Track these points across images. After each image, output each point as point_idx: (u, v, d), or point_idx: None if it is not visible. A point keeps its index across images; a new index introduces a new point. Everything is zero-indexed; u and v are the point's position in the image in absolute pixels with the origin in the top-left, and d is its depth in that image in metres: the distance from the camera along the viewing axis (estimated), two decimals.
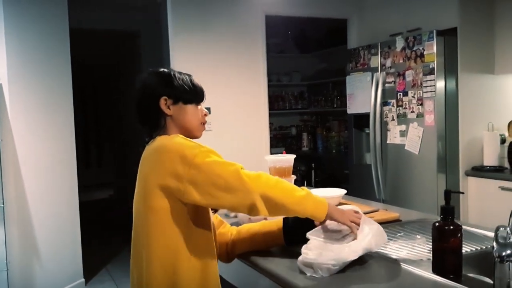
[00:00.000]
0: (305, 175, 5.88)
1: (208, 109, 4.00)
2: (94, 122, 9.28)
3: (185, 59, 3.98)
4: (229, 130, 4.12)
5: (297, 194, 1.45)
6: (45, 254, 3.75)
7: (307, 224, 1.60)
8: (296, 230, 1.65)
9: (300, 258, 1.47)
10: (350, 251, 1.46)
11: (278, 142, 5.96)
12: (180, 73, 1.65)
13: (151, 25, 5.54)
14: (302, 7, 4.44)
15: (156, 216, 1.47)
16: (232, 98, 4.15)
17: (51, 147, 3.81)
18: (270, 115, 4.57)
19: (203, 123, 1.65)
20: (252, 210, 1.40)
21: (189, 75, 1.66)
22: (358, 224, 1.54)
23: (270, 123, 5.67)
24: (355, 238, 1.52)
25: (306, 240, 1.55)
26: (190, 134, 1.62)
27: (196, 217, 1.51)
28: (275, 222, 1.73)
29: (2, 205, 3.48)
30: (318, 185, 5.57)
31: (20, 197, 3.66)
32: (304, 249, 1.49)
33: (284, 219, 1.71)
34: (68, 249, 3.86)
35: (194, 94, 1.63)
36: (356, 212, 1.60)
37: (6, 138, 3.59)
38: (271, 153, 4.52)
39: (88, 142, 8.93)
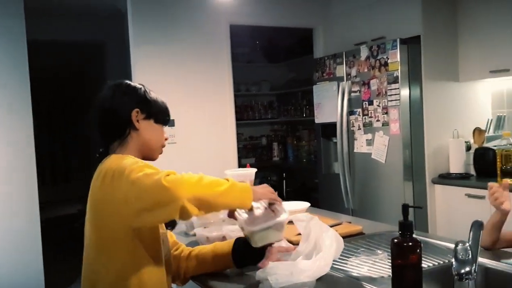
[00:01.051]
0: (276, 185, 5.84)
1: (172, 121, 3.93)
2: (59, 136, 9.05)
3: (147, 69, 3.90)
4: (194, 142, 4.04)
5: (221, 188, 1.40)
6: (4, 273, 3.59)
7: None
8: (246, 252, 1.61)
9: (267, 284, 1.40)
10: (321, 265, 1.44)
11: (249, 153, 5.91)
12: (153, 92, 1.63)
13: (116, 36, 5.45)
14: (266, 16, 4.41)
15: (105, 242, 1.45)
16: (197, 109, 4.08)
17: (9, 163, 3.66)
18: (240, 125, 4.52)
19: (163, 146, 1.63)
20: (183, 215, 1.33)
21: (162, 99, 1.64)
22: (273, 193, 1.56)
23: (240, 134, 5.64)
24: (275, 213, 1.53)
25: (256, 262, 1.53)
26: (149, 153, 1.60)
27: (145, 246, 1.45)
28: (227, 244, 1.68)
29: None
30: (290, 195, 5.54)
31: None
32: (270, 276, 1.40)
33: (235, 240, 1.67)
34: (28, 268, 3.70)
35: (165, 116, 1.62)
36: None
37: None
38: (240, 165, 4.47)
39: (54, 157, 8.72)
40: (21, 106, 3.72)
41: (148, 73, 3.90)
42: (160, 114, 1.59)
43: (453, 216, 3.54)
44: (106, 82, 1.64)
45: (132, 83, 1.62)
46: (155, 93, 1.63)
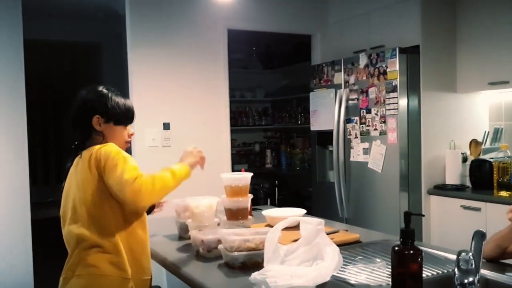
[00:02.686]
0: (269, 192, 5.79)
1: (168, 124, 3.89)
2: (54, 137, 8.97)
3: (144, 73, 3.85)
4: (188, 146, 3.99)
5: (171, 185, 1.77)
6: None
7: None
8: None
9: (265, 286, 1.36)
10: (321, 273, 1.41)
11: (241, 159, 5.87)
12: (117, 94, 1.89)
13: (112, 37, 5.42)
14: (265, 22, 4.39)
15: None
16: (192, 113, 4.03)
17: (2, 164, 3.60)
18: (233, 131, 4.47)
19: (128, 142, 1.94)
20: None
21: (125, 98, 1.91)
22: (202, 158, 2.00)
23: (233, 139, 5.59)
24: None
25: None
26: None
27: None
28: None
29: None
30: (282, 202, 5.49)
31: None
32: (269, 277, 1.38)
33: None
34: (19, 267, 3.63)
35: (125, 117, 1.89)
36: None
37: None
38: (233, 170, 4.42)
39: (47, 158, 8.63)
40: (16, 106, 3.67)
41: (145, 76, 3.86)
42: (118, 116, 1.86)
43: (448, 227, 3.51)
44: (80, 90, 1.92)
45: (99, 89, 1.88)
46: (118, 97, 1.89)
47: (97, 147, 1.77)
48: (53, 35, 5.44)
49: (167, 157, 3.86)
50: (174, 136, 3.91)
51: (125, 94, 1.94)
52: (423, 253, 1.33)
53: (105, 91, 1.88)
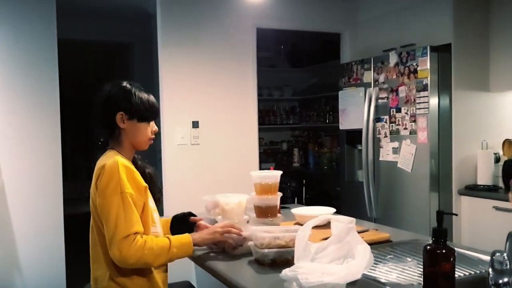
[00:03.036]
0: (296, 191, 5.79)
1: (197, 122, 3.93)
2: (85, 133, 9.15)
3: (173, 72, 3.90)
4: (217, 145, 4.03)
5: (162, 257, 1.71)
6: (27, 268, 3.62)
7: (186, 219, 2.05)
8: (178, 224, 2.05)
9: (296, 283, 1.37)
10: (352, 271, 1.41)
11: (269, 158, 5.87)
12: (140, 90, 1.85)
13: (144, 37, 5.49)
14: (294, 20, 4.39)
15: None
16: (221, 112, 4.06)
17: (36, 159, 3.70)
18: (261, 130, 4.48)
19: (151, 139, 1.90)
20: None
21: (148, 93, 1.87)
22: (229, 231, 1.85)
23: (261, 138, 5.60)
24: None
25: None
26: (138, 146, 1.88)
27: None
28: (166, 220, 2.08)
29: None
30: (309, 202, 5.47)
31: (2, 210, 3.55)
32: (300, 274, 1.39)
33: (172, 218, 2.09)
34: (51, 263, 3.72)
35: (149, 113, 1.85)
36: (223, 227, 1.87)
37: None
38: (261, 169, 4.43)
39: (78, 155, 8.80)
40: (50, 104, 3.76)
41: (174, 74, 3.90)
42: (142, 113, 1.83)
43: (479, 228, 3.45)
44: (104, 85, 1.89)
45: (123, 84, 1.85)
46: (142, 92, 1.85)
47: (101, 163, 1.73)
48: (85, 35, 5.55)
49: (196, 155, 3.94)
50: (203, 134, 3.95)
51: (155, 93, 1.95)
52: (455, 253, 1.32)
53: (128, 86, 1.84)
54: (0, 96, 3.56)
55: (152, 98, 1.88)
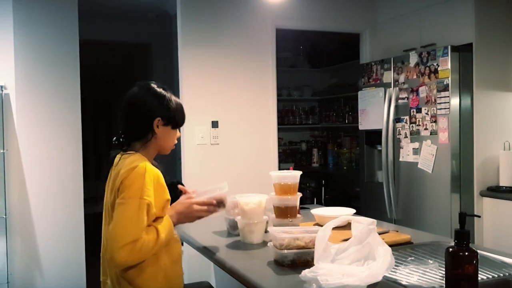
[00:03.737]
0: (315, 192, 5.77)
1: (216, 122, 3.95)
2: (104, 133, 9.26)
3: (193, 72, 3.92)
4: (236, 144, 4.04)
5: (155, 248, 1.69)
6: (47, 266, 3.68)
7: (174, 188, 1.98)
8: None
9: (316, 284, 1.37)
10: (373, 273, 1.40)
11: (288, 158, 5.87)
12: (173, 94, 1.87)
13: (164, 38, 5.54)
14: (313, 20, 4.38)
15: None
16: (240, 112, 4.07)
17: (57, 158, 3.76)
18: (280, 130, 4.48)
19: (175, 144, 1.93)
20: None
21: (180, 101, 1.89)
22: (207, 210, 1.87)
23: (280, 138, 5.60)
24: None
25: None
26: (163, 151, 1.90)
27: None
28: None
29: (5, 216, 3.43)
30: (329, 202, 5.45)
31: (24, 208, 3.62)
32: (320, 275, 1.38)
33: None
34: (71, 262, 3.78)
35: (182, 121, 1.89)
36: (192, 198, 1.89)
37: (12, 148, 3.57)
38: (280, 169, 4.43)
39: (98, 153, 8.91)
40: (71, 104, 3.82)
41: (194, 75, 3.92)
42: (178, 121, 1.86)
43: (502, 230, 3.40)
44: (135, 83, 1.88)
45: (158, 89, 1.84)
46: (174, 97, 1.87)
47: (131, 165, 1.70)
48: (107, 35, 5.62)
49: (215, 155, 3.96)
50: (222, 134, 3.97)
51: (174, 92, 1.95)
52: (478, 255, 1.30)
53: (163, 92, 1.84)
54: (23, 97, 3.63)
55: (180, 102, 1.89)
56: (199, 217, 1.88)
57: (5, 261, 3.45)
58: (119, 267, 1.69)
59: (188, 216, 1.86)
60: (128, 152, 1.82)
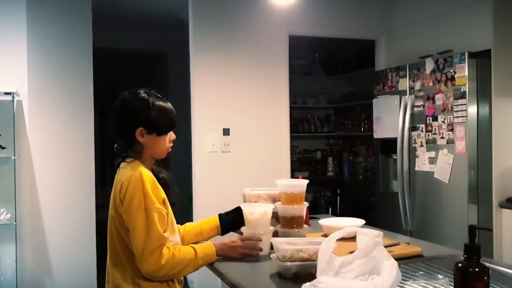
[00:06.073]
0: (330, 201, 5.68)
1: (228, 130, 3.90)
2: (113, 141, 9.27)
3: (205, 79, 3.88)
4: (247, 152, 3.98)
5: (189, 268, 1.73)
6: (58, 274, 3.67)
7: (240, 218, 2.01)
8: (231, 224, 2.07)
9: None
10: (378, 287, 1.32)
11: (302, 166, 5.80)
12: (158, 99, 1.82)
13: (179, 46, 5.53)
14: (327, 27, 4.32)
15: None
16: (252, 119, 4.02)
17: (69, 166, 3.76)
18: (295, 138, 4.42)
19: (169, 148, 1.89)
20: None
21: (166, 102, 1.84)
22: (252, 253, 1.86)
23: (294, 146, 5.54)
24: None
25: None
26: (157, 156, 1.88)
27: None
28: (214, 219, 2.08)
29: (15, 223, 3.43)
30: (344, 212, 5.36)
31: (35, 215, 3.62)
32: None
33: (219, 215, 2.10)
34: (82, 269, 3.77)
35: (167, 126, 1.83)
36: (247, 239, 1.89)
37: (24, 155, 3.58)
38: (293, 177, 4.36)
39: (112, 161, 8.96)
40: (84, 111, 3.83)
41: (206, 82, 3.89)
42: (161, 126, 1.81)
43: None
44: (120, 93, 1.86)
45: (141, 96, 1.80)
46: (160, 101, 1.82)
47: (126, 175, 1.72)
48: (121, 43, 5.64)
49: (226, 163, 3.90)
50: (234, 141, 3.92)
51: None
52: (490, 271, 1.22)
53: (146, 97, 1.81)
54: (35, 103, 3.64)
55: (169, 106, 1.85)
56: (243, 253, 1.87)
57: (14, 269, 3.44)
58: (154, 278, 1.71)
59: (232, 249, 1.87)
60: (127, 159, 1.83)
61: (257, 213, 1.96)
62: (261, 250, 1.89)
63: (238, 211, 2.05)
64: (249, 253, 1.87)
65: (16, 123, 3.49)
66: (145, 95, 1.81)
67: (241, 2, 3.98)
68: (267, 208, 2.00)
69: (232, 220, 2.07)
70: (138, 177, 1.70)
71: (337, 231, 1.54)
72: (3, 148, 3.45)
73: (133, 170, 1.73)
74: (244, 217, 2.00)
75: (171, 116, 1.85)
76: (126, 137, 1.82)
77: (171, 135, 1.88)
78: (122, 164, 1.82)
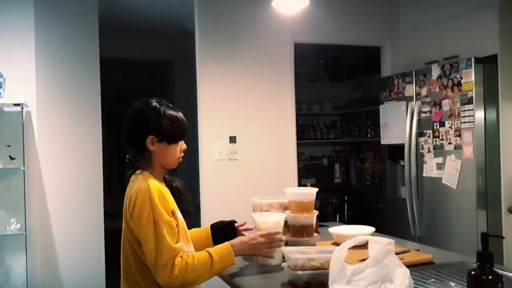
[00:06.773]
0: (337, 208, 5.67)
1: (234, 137, 3.91)
2: (121, 149, 9.28)
3: (211, 88, 3.89)
4: (254, 160, 3.98)
5: (206, 275, 1.71)
6: (68, 283, 3.69)
7: (231, 228, 2.07)
8: (222, 234, 2.06)
9: None
10: None
11: (309, 173, 5.79)
12: (169, 108, 1.82)
13: (185, 55, 5.57)
14: (332, 34, 4.33)
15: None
16: (258, 127, 4.02)
17: (78, 175, 3.79)
18: (301, 144, 4.42)
19: (180, 157, 1.88)
20: None
21: (177, 111, 1.84)
22: (272, 245, 1.84)
23: (301, 153, 5.54)
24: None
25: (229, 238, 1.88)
26: (168, 166, 1.88)
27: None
28: (205, 229, 2.09)
29: (25, 233, 3.44)
30: (351, 219, 5.35)
31: (44, 225, 3.64)
32: None
33: (211, 225, 2.10)
34: (92, 279, 3.77)
35: (178, 134, 1.83)
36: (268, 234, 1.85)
37: (33, 166, 3.60)
38: (299, 185, 4.36)
39: (120, 170, 8.97)
40: (92, 121, 3.86)
41: (212, 90, 3.90)
42: (172, 135, 1.80)
43: None
44: (131, 103, 1.87)
45: (152, 105, 1.80)
46: (172, 111, 1.82)
47: (134, 188, 1.73)
48: (128, 53, 5.67)
49: (233, 171, 3.91)
50: (240, 149, 3.92)
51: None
52: (503, 279, 1.22)
53: (158, 106, 1.81)
54: (44, 114, 3.67)
55: (181, 116, 1.85)
56: (266, 249, 1.84)
57: (25, 279, 3.45)
58: None
59: (253, 246, 1.82)
60: (137, 171, 1.83)
61: (270, 222, 1.96)
62: (279, 246, 1.87)
63: (231, 226, 2.08)
64: (272, 247, 1.85)
65: (25, 134, 3.51)
66: (157, 104, 1.81)
67: (247, 11, 4.00)
68: (280, 217, 2.00)
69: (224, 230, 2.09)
70: (145, 190, 1.70)
71: (348, 240, 1.54)
72: (12, 158, 3.46)
73: (141, 183, 1.73)
74: (256, 227, 2.00)
75: (182, 126, 1.84)
76: (137, 145, 1.82)
77: (182, 145, 1.87)
78: (132, 177, 1.81)
